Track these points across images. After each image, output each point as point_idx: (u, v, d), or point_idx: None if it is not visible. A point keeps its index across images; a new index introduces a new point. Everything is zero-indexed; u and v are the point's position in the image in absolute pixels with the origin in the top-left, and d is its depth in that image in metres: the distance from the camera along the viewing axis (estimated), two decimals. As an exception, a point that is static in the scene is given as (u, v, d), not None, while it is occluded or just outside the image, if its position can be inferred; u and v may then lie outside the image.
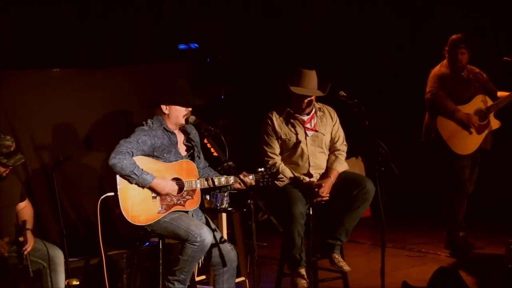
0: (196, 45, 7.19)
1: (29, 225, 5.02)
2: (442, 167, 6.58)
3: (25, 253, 4.88)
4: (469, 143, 6.45)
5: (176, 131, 4.99)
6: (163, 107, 4.93)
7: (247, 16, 7.93)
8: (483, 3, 7.67)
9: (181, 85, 4.97)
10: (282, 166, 5.34)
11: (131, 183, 4.72)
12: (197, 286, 5.56)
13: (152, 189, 4.78)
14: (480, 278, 5.77)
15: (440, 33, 6.84)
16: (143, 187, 4.75)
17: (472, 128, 6.39)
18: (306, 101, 5.28)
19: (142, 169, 4.73)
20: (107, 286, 5.05)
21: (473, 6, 7.71)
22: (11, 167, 4.97)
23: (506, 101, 6.44)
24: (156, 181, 4.76)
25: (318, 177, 5.40)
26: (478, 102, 6.46)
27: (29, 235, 4.95)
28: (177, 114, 4.93)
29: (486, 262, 6.29)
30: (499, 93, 6.53)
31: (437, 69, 6.52)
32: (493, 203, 7.83)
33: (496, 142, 6.63)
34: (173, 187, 4.82)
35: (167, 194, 4.81)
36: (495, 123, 6.50)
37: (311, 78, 5.30)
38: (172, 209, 4.85)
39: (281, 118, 5.38)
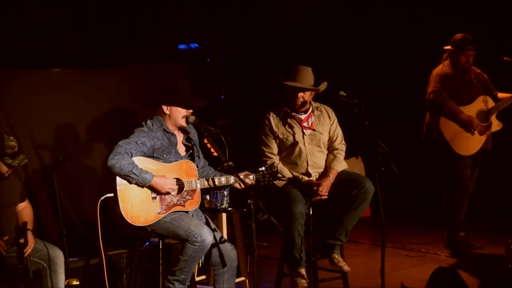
0: (196, 45, 7.19)
1: (29, 226, 5.02)
2: (443, 167, 6.58)
3: (25, 255, 4.88)
4: (471, 144, 6.45)
5: (176, 132, 4.99)
6: (164, 107, 4.92)
7: (247, 16, 7.92)
8: (483, 2, 7.67)
9: (183, 86, 4.96)
10: (280, 166, 5.34)
11: (130, 183, 4.72)
12: (197, 286, 5.55)
13: (152, 188, 4.77)
14: (480, 278, 5.77)
15: (440, 32, 6.84)
16: (143, 186, 4.75)
17: (473, 130, 6.40)
18: (300, 96, 5.29)
19: (141, 168, 4.72)
20: (107, 286, 5.05)
21: (472, 5, 7.71)
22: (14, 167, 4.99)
23: (507, 103, 6.44)
24: (156, 180, 4.75)
25: (317, 176, 5.40)
26: (480, 103, 6.46)
27: (29, 236, 4.95)
28: (178, 115, 4.92)
29: (486, 262, 6.29)
30: (500, 94, 6.53)
31: (439, 69, 6.51)
32: (493, 203, 7.83)
33: (496, 142, 6.63)
34: (173, 185, 4.81)
35: (167, 193, 4.81)
36: (496, 125, 6.50)
37: (306, 74, 5.31)
38: (172, 210, 4.85)
39: (278, 118, 5.39)
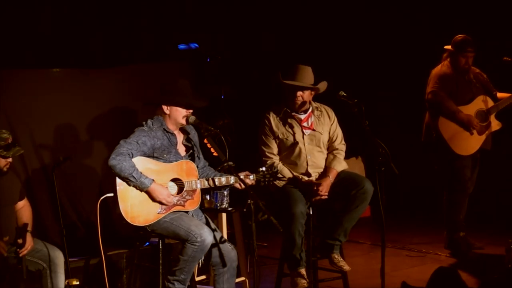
0: (196, 45, 7.19)
1: (28, 226, 5.02)
2: (443, 167, 6.58)
3: (20, 255, 4.88)
4: (470, 143, 6.45)
5: (176, 132, 4.99)
6: (164, 107, 4.92)
7: (247, 16, 7.92)
8: (482, 2, 7.67)
9: (183, 86, 4.96)
10: (280, 166, 5.34)
11: (129, 185, 4.72)
12: (197, 286, 5.55)
13: (148, 194, 4.78)
14: (480, 278, 5.77)
15: (441, 32, 6.84)
16: (141, 190, 4.76)
17: (473, 129, 6.40)
18: (299, 95, 5.29)
19: (141, 173, 4.72)
20: (107, 286, 5.05)
21: (472, 5, 7.71)
22: (10, 160, 4.98)
23: (506, 102, 6.44)
24: (154, 187, 4.75)
25: (317, 176, 5.40)
26: (479, 102, 6.46)
27: (28, 237, 4.95)
28: (178, 114, 4.92)
29: (486, 262, 6.29)
30: (499, 94, 6.54)
31: (438, 69, 6.51)
32: (493, 203, 7.83)
33: (496, 142, 6.63)
34: (168, 197, 4.80)
35: (160, 202, 4.80)
36: (496, 124, 6.50)
37: (306, 73, 5.31)
38: (172, 210, 4.85)
39: (278, 118, 5.39)
